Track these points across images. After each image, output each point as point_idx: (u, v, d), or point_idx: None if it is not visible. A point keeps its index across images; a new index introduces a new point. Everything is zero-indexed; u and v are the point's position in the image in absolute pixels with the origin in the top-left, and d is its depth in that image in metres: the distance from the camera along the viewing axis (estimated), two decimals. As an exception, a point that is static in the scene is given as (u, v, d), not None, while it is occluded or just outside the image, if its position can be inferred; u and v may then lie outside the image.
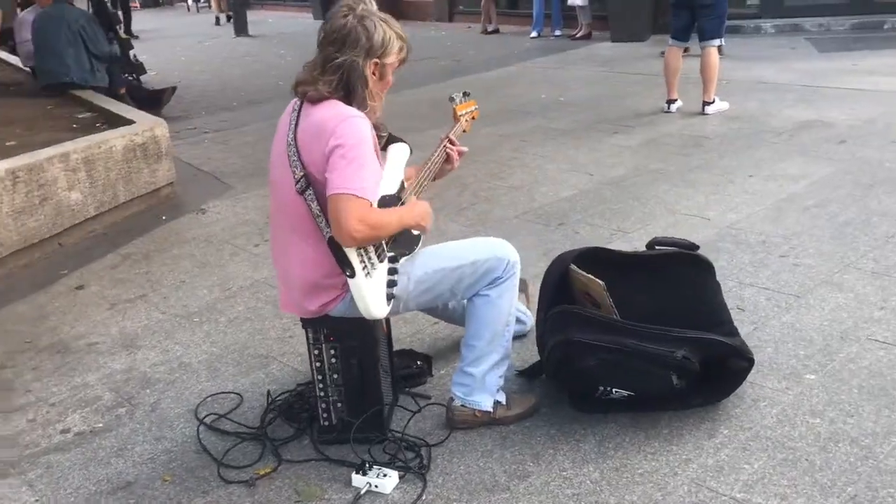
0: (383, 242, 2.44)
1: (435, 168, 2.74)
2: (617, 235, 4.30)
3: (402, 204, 2.57)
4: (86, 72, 7.29)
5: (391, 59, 2.43)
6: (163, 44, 15.11)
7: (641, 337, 2.59)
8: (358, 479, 2.47)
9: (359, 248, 2.33)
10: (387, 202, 2.49)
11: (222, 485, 2.55)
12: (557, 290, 2.87)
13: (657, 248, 3.01)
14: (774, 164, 5.32)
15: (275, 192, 2.51)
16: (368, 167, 2.31)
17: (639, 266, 2.98)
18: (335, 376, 2.63)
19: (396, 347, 2.99)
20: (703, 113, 6.75)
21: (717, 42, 6.63)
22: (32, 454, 2.79)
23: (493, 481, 2.46)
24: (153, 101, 8.38)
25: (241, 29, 15.97)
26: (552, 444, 2.61)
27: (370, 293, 2.36)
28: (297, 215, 2.41)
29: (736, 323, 2.91)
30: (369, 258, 2.37)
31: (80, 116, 6.35)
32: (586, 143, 6.20)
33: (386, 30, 2.40)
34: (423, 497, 2.42)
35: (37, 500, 2.54)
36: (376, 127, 2.64)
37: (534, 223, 4.60)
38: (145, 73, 9.76)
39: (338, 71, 2.37)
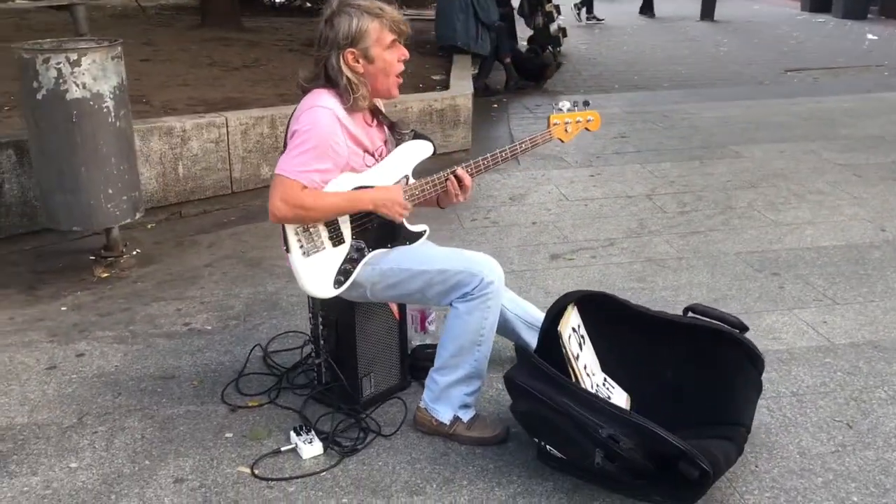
0: (342, 227, 2.56)
1: (426, 194, 2.70)
2: (824, 305, 3.61)
3: (390, 199, 2.63)
4: (470, 38, 8.06)
5: (368, 42, 2.49)
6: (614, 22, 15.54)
7: (577, 400, 2.32)
8: (293, 437, 2.68)
9: (296, 228, 2.50)
10: (368, 192, 2.60)
11: (216, 401, 2.96)
12: (550, 326, 2.66)
13: (692, 315, 2.59)
14: None
15: None
16: (312, 153, 2.44)
17: (663, 330, 2.61)
18: (322, 342, 2.86)
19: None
20: None
21: None
22: (150, 332, 3.52)
23: (391, 488, 2.48)
24: (536, 73, 8.86)
25: (707, 13, 15.59)
26: (477, 477, 2.51)
27: (305, 272, 2.52)
28: None
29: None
30: (310, 239, 2.52)
31: (435, 77, 7.11)
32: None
33: (354, 20, 2.47)
34: (322, 474, 2.55)
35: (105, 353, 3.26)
36: (394, 125, 2.74)
37: (746, 265, 4.06)
38: (560, 45, 10.28)
39: (318, 66, 2.53)
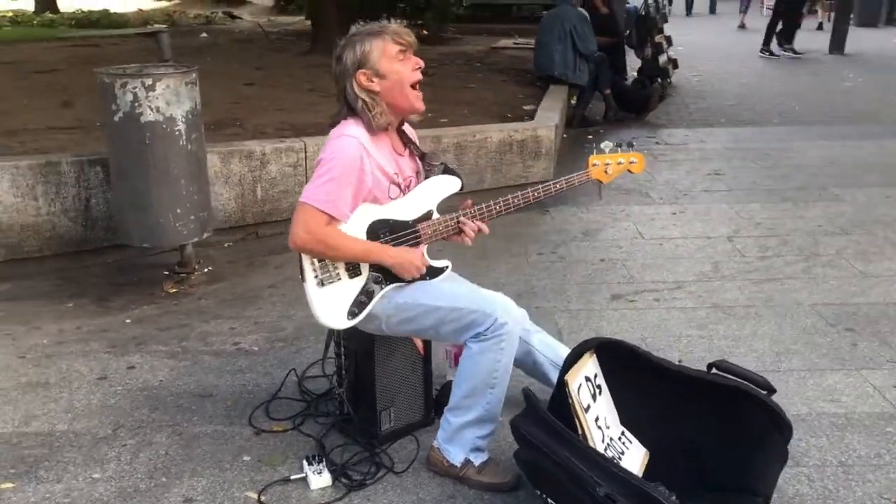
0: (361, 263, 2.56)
1: (447, 231, 2.68)
2: (885, 366, 3.34)
3: (414, 233, 2.61)
4: (568, 68, 7.98)
5: (375, 59, 2.51)
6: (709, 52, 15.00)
7: (578, 454, 2.22)
8: (304, 466, 2.69)
9: (311, 258, 2.51)
10: (391, 226, 2.59)
11: (243, 423, 3.01)
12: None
13: (716, 372, 2.43)
14: None
15: None
16: (337, 182, 2.44)
17: (687, 385, 2.46)
18: (343, 373, 2.86)
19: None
20: None
21: None
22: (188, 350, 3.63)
23: (389, 525, 2.45)
24: (639, 104, 8.68)
25: (836, 46, 14.83)
26: (477, 524, 2.44)
27: (319, 301, 2.53)
28: None
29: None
30: (325, 269, 2.52)
31: (526, 107, 7.07)
32: None
33: (357, 46, 2.50)
34: (326, 507, 2.54)
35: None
36: (425, 156, 2.72)
37: (820, 318, 3.80)
38: (669, 77, 10.06)
39: (339, 101, 2.57)
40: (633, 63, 10.18)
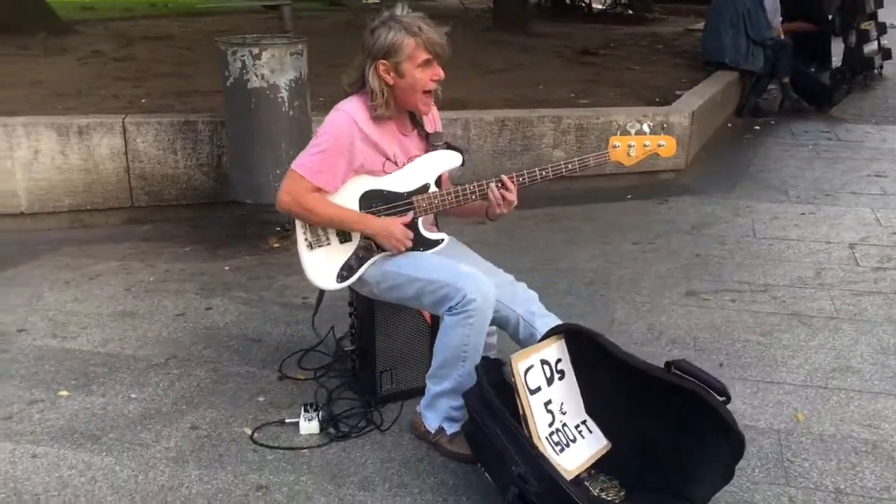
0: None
1: (445, 203, 2.71)
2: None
3: (408, 204, 2.70)
4: (740, 54, 7.54)
5: (401, 57, 2.57)
6: None
7: (506, 431, 2.25)
8: (301, 412, 2.90)
9: (302, 222, 2.68)
10: (384, 197, 2.70)
11: (273, 368, 3.27)
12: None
13: (676, 372, 2.34)
14: None
15: None
16: (325, 154, 2.59)
17: (647, 382, 2.38)
18: (352, 332, 3.04)
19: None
20: None
21: None
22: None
23: (348, 479, 2.59)
24: (822, 96, 8.02)
25: None
26: (431, 489, 2.53)
27: (309, 264, 2.71)
28: None
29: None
30: (315, 233, 2.69)
31: (679, 93, 6.79)
32: None
33: (391, 33, 2.56)
34: (303, 451, 2.74)
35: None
36: (429, 136, 2.79)
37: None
38: (874, 68, 9.19)
39: (357, 71, 2.68)
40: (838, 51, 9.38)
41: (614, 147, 2.81)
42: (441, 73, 2.66)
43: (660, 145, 2.83)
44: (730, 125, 7.61)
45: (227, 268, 4.38)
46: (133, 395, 3.09)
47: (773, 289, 3.99)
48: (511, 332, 2.76)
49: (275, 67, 4.23)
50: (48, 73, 6.89)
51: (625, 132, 2.84)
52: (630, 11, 14.65)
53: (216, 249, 4.63)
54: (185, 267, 4.39)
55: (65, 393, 3.10)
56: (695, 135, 5.98)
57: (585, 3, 14.74)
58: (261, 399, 3.07)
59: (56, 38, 8.52)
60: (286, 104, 4.31)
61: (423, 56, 2.59)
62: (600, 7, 14.80)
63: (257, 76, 4.23)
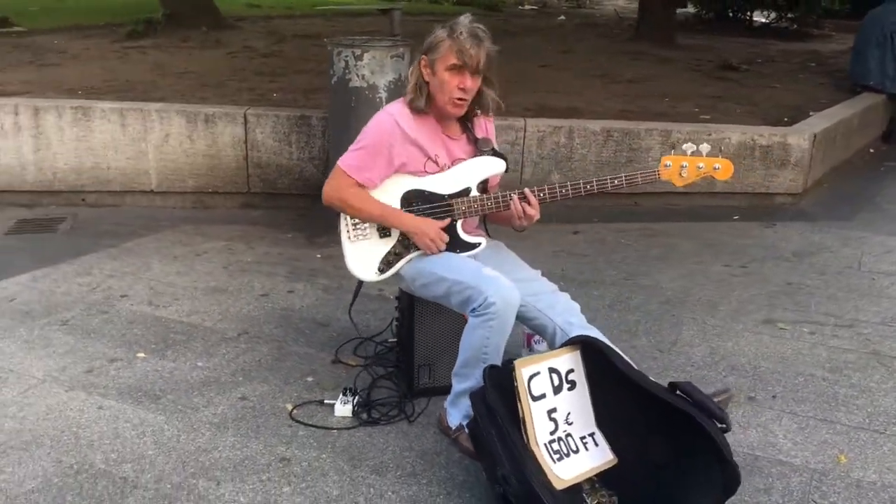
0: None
1: (482, 209, 2.80)
2: None
3: (448, 206, 2.80)
4: (886, 76, 7.08)
5: (437, 55, 2.67)
6: None
7: (498, 433, 2.31)
8: (340, 395, 3.07)
9: (345, 216, 2.83)
10: (426, 197, 2.81)
11: (330, 353, 3.46)
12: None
13: (679, 393, 2.31)
14: None
15: None
16: (366, 151, 2.73)
17: (658, 405, 2.36)
18: (396, 325, 3.18)
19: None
20: None
21: None
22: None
23: (364, 463, 2.72)
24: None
25: None
26: (438, 483, 2.61)
27: (349, 254, 2.87)
28: None
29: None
30: (356, 226, 2.84)
31: (811, 114, 6.47)
32: None
33: (440, 32, 2.68)
34: (333, 431, 2.90)
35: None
36: (478, 141, 2.87)
37: None
38: None
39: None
40: None
41: (665, 166, 2.81)
42: (468, 84, 2.69)
43: (715, 168, 2.80)
44: (871, 150, 7.16)
45: (318, 255, 4.63)
46: (199, 364, 3.36)
47: (860, 325, 3.78)
48: (549, 339, 2.81)
49: (375, 68, 4.44)
50: (198, 64, 7.47)
51: (679, 152, 2.82)
52: (795, 26, 13.99)
53: (314, 238, 4.89)
54: (282, 251, 4.67)
55: (142, 355, 3.41)
56: (817, 158, 5.69)
57: (747, 17, 14.20)
58: (310, 379, 3.26)
59: (215, 32, 9.20)
60: (384, 104, 4.49)
61: (452, 60, 2.67)
62: (763, 21, 14.21)
63: (358, 76, 4.44)
